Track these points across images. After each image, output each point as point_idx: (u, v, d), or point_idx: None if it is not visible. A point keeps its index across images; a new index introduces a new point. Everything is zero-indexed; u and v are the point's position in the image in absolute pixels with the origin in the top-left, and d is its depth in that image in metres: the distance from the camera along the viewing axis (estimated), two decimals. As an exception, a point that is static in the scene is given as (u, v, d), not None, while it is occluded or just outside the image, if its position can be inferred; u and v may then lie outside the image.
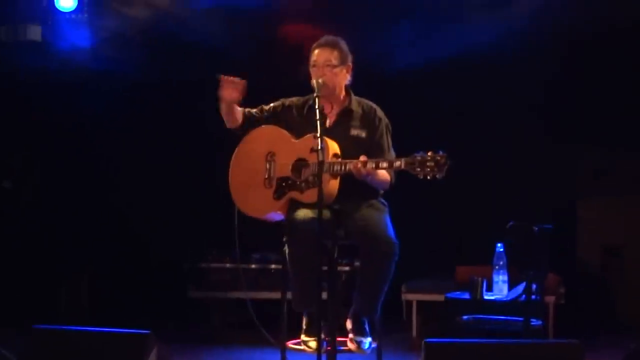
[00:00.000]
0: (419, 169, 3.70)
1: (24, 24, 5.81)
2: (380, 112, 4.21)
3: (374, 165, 3.83)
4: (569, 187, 6.67)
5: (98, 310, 6.35)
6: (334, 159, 3.91)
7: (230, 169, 4.23)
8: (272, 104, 4.29)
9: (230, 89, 4.03)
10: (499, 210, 6.05)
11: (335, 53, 4.08)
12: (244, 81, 4.04)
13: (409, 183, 4.02)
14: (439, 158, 3.68)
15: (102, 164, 6.77)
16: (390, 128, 4.22)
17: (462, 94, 6.44)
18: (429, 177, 3.69)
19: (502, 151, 6.56)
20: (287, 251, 3.96)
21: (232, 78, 4.03)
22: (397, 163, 3.81)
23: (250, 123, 4.21)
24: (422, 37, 6.03)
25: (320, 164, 3.64)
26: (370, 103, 4.24)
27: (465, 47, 6.00)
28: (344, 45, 4.14)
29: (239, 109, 4.17)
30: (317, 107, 3.79)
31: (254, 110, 4.25)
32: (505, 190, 6.53)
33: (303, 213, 3.91)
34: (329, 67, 4.07)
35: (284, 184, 4.05)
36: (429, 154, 3.70)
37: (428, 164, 3.68)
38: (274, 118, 4.23)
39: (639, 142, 6.41)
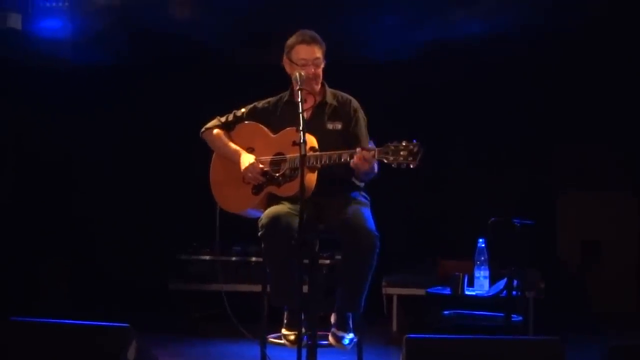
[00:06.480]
0: (392, 158, 3.68)
1: (4, 11, 5.74)
2: (355, 103, 4.22)
3: (348, 157, 3.80)
4: (549, 183, 6.69)
5: (78, 302, 6.30)
6: (311, 152, 3.88)
7: (211, 167, 4.27)
8: (243, 109, 4.28)
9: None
10: (480, 206, 6.07)
11: (321, 48, 4.11)
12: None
13: (391, 176, 4.01)
14: (412, 147, 3.66)
15: (81, 154, 6.72)
16: (366, 119, 4.21)
17: (444, 87, 6.43)
18: (402, 167, 3.67)
19: (484, 147, 6.57)
20: (263, 246, 3.94)
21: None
22: (371, 152, 3.79)
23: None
24: (402, 24, 6.00)
25: (302, 157, 3.62)
26: (346, 95, 4.24)
27: (447, 38, 5.97)
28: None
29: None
30: (299, 99, 3.77)
31: (223, 119, 4.29)
32: (487, 186, 6.54)
33: (279, 207, 3.90)
34: (318, 65, 4.09)
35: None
36: (403, 143, 3.69)
37: (401, 152, 3.66)
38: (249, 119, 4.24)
39: (618, 139, 6.45)
